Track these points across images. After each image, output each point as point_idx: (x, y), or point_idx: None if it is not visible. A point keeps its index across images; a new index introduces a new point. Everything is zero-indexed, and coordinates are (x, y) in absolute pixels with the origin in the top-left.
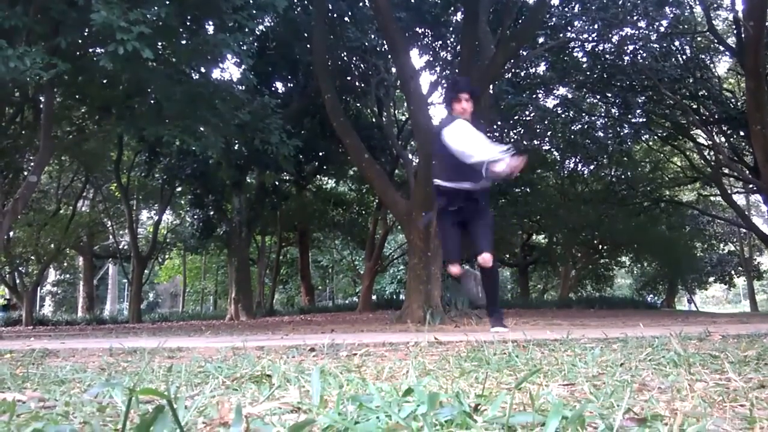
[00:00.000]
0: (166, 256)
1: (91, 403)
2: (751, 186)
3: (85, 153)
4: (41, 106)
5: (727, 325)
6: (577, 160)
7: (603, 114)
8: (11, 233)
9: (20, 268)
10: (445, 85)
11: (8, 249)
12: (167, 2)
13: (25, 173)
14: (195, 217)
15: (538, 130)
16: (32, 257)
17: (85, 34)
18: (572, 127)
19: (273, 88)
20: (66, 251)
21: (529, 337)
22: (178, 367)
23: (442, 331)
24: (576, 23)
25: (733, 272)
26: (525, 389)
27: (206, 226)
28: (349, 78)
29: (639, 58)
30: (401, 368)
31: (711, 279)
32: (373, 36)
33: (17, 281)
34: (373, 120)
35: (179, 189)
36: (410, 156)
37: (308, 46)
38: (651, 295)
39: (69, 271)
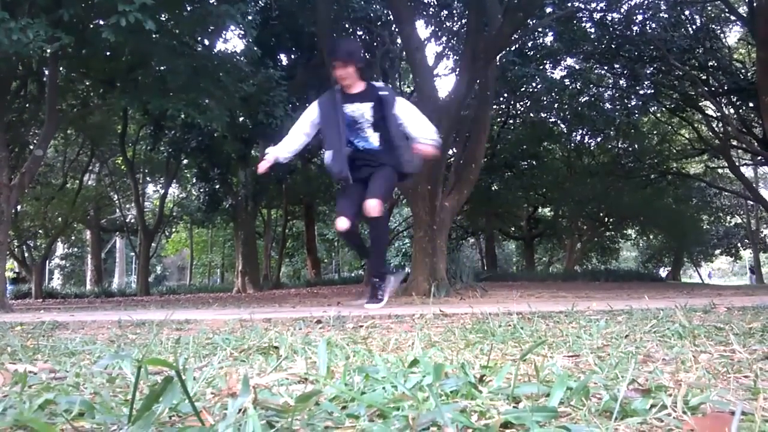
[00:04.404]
0: (173, 230)
1: (101, 374)
2: (759, 158)
3: (91, 126)
4: (45, 79)
5: (733, 297)
6: (584, 133)
7: (611, 85)
8: (19, 207)
9: (29, 242)
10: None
11: (16, 223)
12: None
13: (31, 147)
14: (201, 190)
15: (544, 102)
16: (40, 231)
17: (88, 5)
18: (579, 99)
19: (277, 60)
20: (73, 225)
21: (534, 309)
22: (186, 339)
23: (447, 303)
24: None
25: (739, 245)
26: (530, 360)
27: (212, 199)
28: None
29: (648, 28)
30: (407, 340)
31: (717, 251)
32: (377, 6)
33: (26, 255)
34: None
35: (185, 162)
36: None
37: (312, 16)
38: (660, 267)
39: (77, 245)
